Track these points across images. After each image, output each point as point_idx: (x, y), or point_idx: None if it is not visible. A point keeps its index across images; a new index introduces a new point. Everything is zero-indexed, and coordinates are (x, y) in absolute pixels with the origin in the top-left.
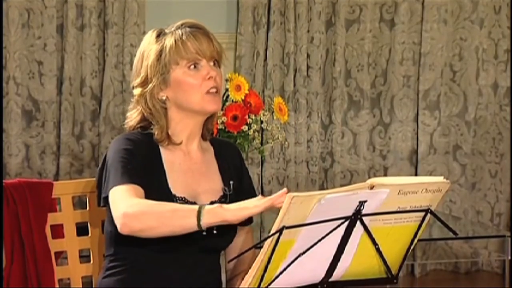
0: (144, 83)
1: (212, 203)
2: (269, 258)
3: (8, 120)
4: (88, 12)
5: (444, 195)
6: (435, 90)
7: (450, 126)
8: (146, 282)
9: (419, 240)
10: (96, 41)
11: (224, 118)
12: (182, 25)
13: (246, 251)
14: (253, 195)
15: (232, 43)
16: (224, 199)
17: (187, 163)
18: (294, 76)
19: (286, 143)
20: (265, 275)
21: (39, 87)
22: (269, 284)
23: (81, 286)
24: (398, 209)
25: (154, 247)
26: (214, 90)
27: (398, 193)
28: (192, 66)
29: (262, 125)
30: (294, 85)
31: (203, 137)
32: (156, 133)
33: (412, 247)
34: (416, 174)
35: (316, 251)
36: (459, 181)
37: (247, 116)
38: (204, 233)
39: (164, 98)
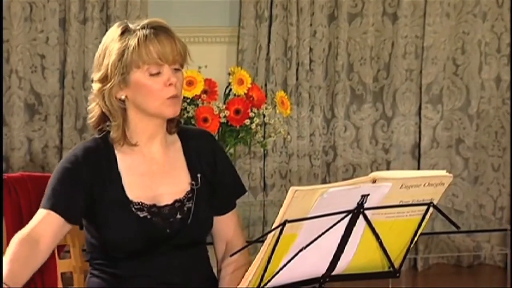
0: (103, 80)
1: (176, 201)
2: (271, 252)
3: (11, 114)
4: (90, 6)
5: (447, 188)
6: (437, 84)
7: (453, 120)
8: (129, 281)
9: (421, 234)
10: (99, 35)
11: (226, 112)
12: (147, 24)
13: (246, 246)
14: (235, 184)
15: (235, 36)
16: (191, 194)
17: (146, 164)
18: (297, 69)
19: (289, 137)
20: (267, 269)
21: (42, 81)
22: (271, 278)
23: (83, 280)
24: (401, 203)
25: (126, 252)
26: (173, 97)
27: (401, 187)
28: (153, 71)
29: (265, 119)
30: (297, 79)
31: (168, 131)
32: (112, 132)
33: (414, 241)
34: (418, 168)
35: (319, 245)
36: (461, 175)
37: (249, 110)
38: (168, 230)
39: (123, 97)
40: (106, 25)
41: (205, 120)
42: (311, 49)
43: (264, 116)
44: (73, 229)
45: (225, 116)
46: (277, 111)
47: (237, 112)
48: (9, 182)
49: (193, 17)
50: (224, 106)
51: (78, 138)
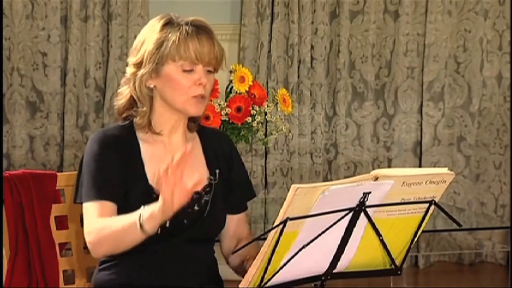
0: (137, 66)
1: (194, 193)
2: (273, 250)
3: (12, 112)
4: (92, 4)
5: (448, 186)
6: (439, 82)
7: (454, 118)
8: (138, 274)
9: (423, 232)
10: (100, 33)
11: (228, 110)
12: (191, 22)
13: (248, 243)
14: (247, 187)
15: (236, 34)
16: (209, 188)
17: (167, 155)
18: (298, 67)
19: (290, 134)
20: (269, 267)
21: (43, 79)
22: (273, 276)
23: (85, 278)
24: (402, 201)
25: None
26: (200, 96)
27: (402, 185)
28: (187, 68)
29: (266, 117)
30: (298, 76)
31: (189, 129)
32: (138, 118)
33: (416, 239)
34: (420, 166)
35: (320, 243)
36: (463, 173)
37: (251, 108)
38: (185, 221)
39: (151, 86)
40: (107, 23)
41: (207, 117)
42: (312, 47)
43: (265, 113)
44: (74, 227)
45: (226, 114)
46: (279, 109)
47: (238, 109)
48: (10, 179)
49: (194, 15)
50: (225, 104)
51: (80, 136)
